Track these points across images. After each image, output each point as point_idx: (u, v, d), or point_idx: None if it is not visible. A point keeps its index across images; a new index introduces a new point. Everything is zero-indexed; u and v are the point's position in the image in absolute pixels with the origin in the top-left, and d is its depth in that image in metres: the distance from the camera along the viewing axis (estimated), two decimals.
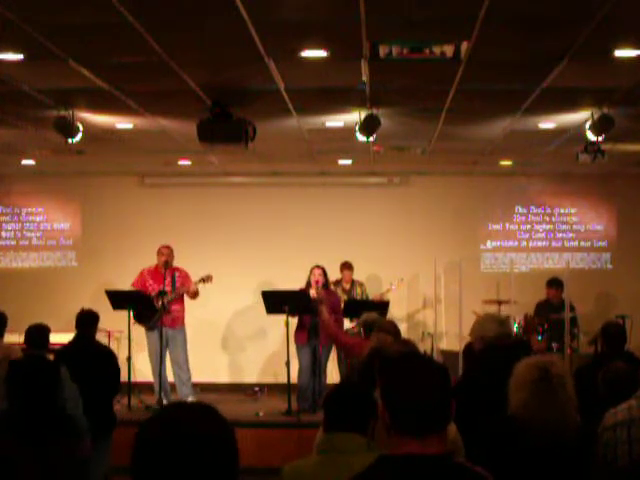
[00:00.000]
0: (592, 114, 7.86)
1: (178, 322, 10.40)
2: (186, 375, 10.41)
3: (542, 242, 12.92)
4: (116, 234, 12.66)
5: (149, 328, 10.20)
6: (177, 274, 10.44)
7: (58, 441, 3.57)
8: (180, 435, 1.86)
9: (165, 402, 10.07)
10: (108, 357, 7.23)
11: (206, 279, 10.31)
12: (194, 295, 10.42)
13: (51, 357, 6.80)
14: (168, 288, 10.27)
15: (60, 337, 8.04)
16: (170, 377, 10.51)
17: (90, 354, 7.02)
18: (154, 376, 10.30)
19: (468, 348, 7.62)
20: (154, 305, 10.10)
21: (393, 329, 6.75)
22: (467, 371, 5.59)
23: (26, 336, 7.00)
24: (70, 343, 7.27)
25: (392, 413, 2.37)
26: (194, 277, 10.49)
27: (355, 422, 3.29)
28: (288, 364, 9.57)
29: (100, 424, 6.49)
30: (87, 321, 7.27)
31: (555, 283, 11.63)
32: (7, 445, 3.22)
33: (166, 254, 10.37)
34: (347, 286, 11.35)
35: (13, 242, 13.07)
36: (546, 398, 3.58)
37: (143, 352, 10.62)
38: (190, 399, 10.24)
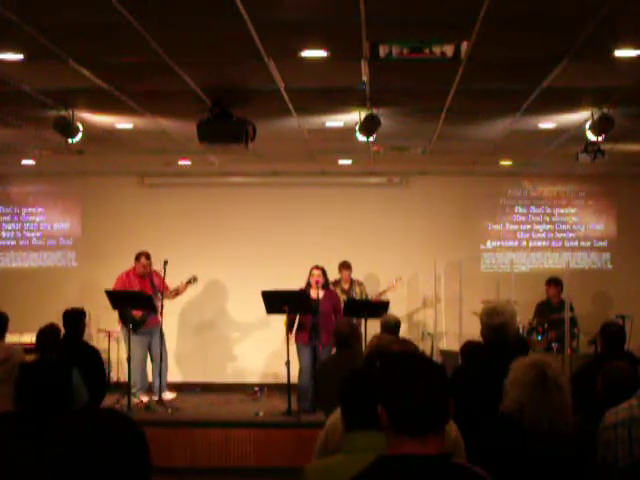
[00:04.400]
0: (592, 114, 7.86)
1: (158, 320, 10.55)
2: (165, 367, 10.63)
3: (542, 242, 12.92)
4: (116, 234, 12.66)
5: (135, 331, 10.21)
6: (155, 279, 10.65)
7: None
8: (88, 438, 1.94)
9: (156, 398, 10.22)
10: (92, 357, 7.15)
11: (192, 280, 10.64)
12: (177, 295, 10.79)
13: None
14: (151, 292, 10.50)
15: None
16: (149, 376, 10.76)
17: (74, 355, 6.96)
18: (139, 376, 10.38)
19: (466, 346, 7.65)
20: (154, 304, 10.17)
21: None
22: (462, 369, 5.56)
23: (37, 338, 6.96)
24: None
25: (390, 413, 2.37)
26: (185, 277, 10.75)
27: (374, 419, 3.25)
28: (288, 364, 9.57)
29: None
30: (72, 320, 7.23)
31: (554, 281, 11.65)
32: (10, 446, 3.22)
33: (149, 265, 10.59)
34: (346, 286, 11.34)
35: (13, 242, 13.08)
36: (541, 399, 3.56)
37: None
38: (167, 392, 10.56)
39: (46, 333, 7.04)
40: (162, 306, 10.28)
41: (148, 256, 10.62)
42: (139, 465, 1.99)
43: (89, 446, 1.94)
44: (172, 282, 10.60)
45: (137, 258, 10.62)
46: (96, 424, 1.99)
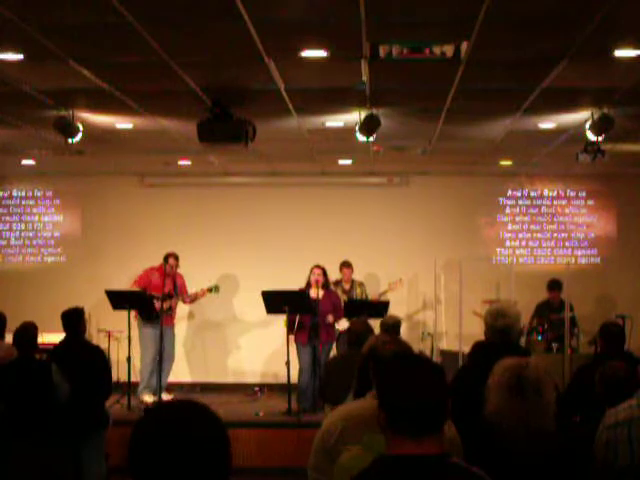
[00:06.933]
0: (592, 114, 7.86)
1: (173, 320, 10.85)
2: (171, 366, 10.77)
3: (542, 242, 12.92)
4: (116, 234, 12.67)
5: (151, 327, 10.38)
6: (178, 280, 10.85)
7: (53, 441, 3.57)
8: (175, 434, 1.88)
9: (165, 399, 10.19)
10: (96, 356, 7.14)
11: (214, 289, 10.81)
12: (194, 300, 11.07)
13: (40, 357, 6.77)
14: (172, 291, 10.66)
15: (60, 337, 8.02)
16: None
17: (78, 354, 6.95)
18: (147, 374, 10.44)
19: (474, 347, 7.61)
20: (153, 305, 10.20)
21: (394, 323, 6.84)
22: (464, 370, 5.55)
23: (14, 337, 6.93)
24: (60, 343, 7.25)
25: (388, 414, 2.37)
26: (190, 279, 10.95)
27: None
28: (288, 364, 9.58)
29: (91, 423, 6.50)
30: (71, 320, 7.23)
31: (556, 285, 11.64)
32: (3, 444, 3.22)
33: (176, 265, 10.75)
34: (347, 286, 11.34)
35: (13, 242, 13.08)
36: (517, 403, 3.52)
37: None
38: (163, 394, 10.58)
39: (21, 332, 6.98)
40: (173, 307, 10.61)
41: (176, 257, 10.75)
42: (219, 464, 1.91)
43: (171, 438, 1.87)
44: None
45: (165, 259, 10.69)
46: (179, 418, 1.92)
